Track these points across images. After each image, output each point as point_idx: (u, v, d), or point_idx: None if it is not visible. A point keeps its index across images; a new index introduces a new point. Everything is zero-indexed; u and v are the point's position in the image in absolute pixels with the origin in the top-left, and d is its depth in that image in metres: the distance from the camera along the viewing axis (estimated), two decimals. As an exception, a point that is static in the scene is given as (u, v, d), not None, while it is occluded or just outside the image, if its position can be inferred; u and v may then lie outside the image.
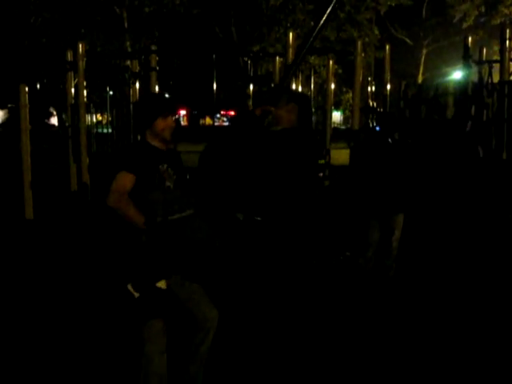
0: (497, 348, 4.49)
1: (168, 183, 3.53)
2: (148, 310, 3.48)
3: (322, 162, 8.84)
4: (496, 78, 10.69)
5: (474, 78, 11.14)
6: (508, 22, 24.93)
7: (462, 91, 11.15)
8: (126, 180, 3.41)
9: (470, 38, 11.78)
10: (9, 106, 22.92)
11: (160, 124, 3.54)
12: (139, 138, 3.67)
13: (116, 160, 3.60)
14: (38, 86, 17.99)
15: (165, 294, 3.51)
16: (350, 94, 26.41)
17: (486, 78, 10.76)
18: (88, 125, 11.63)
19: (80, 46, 10.03)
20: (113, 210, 3.42)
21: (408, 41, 31.10)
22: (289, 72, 6.83)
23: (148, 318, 3.48)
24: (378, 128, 5.69)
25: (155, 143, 3.57)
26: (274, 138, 4.34)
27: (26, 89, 9.23)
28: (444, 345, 4.56)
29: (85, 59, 10.05)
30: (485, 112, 10.57)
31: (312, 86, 12.57)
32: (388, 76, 11.16)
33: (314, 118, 11.83)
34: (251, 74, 11.64)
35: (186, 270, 3.62)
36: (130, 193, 3.42)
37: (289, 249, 4.49)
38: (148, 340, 3.48)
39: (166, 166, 3.54)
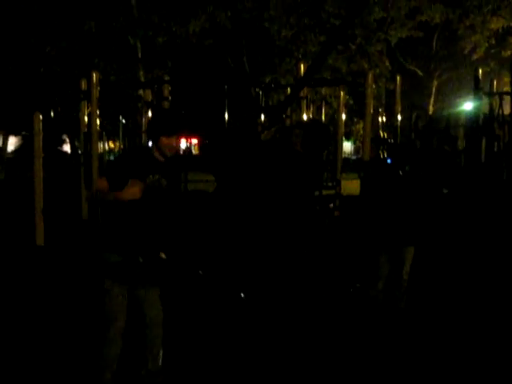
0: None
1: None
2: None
3: (332, 192, 8.85)
4: (507, 110, 10.72)
5: (485, 109, 11.17)
6: (519, 54, 25.05)
7: (473, 123, 11.17)
8: (103, 182, 3.84)
9: (480, 70, 11.84)
10: (23, 133, 23.16)
11: (163, 141, 3.95)
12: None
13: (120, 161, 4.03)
14: (52, 113, 18.18)
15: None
16: (361, 125, 26.52)
17: (496, 110, 10.78)
18: (100, 152, 11.72)
19: (94, 75, 10.15)
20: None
21: (419, 72, 31.24)
22: (288, 101, 6.91)
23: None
24: (389, 160, 5.71)
25: (156, 155, 3.98)
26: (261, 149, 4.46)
27: (41, 116, 9.34)
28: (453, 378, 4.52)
29: (98, 88, 10.16)
30: (496, 144, 10.57)
31: (323, 117, 12.64)
32: (399, 107, 11.19)
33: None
34: (263, 105, 11.72)
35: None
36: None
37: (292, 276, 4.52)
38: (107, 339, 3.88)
39: (157, 176, 3.93)
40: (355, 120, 28.95)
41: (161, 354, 4.07)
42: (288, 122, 9.58)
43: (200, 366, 4.65)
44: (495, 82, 11.89)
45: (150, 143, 4.09)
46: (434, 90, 31.43)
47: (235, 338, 5.03)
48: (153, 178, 3.87)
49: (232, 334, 5.09)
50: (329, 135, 5.03)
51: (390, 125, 13.69)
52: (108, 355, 3.90)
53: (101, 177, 3.93)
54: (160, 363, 4.07)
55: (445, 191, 9.10)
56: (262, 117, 11.02)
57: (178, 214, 4.04)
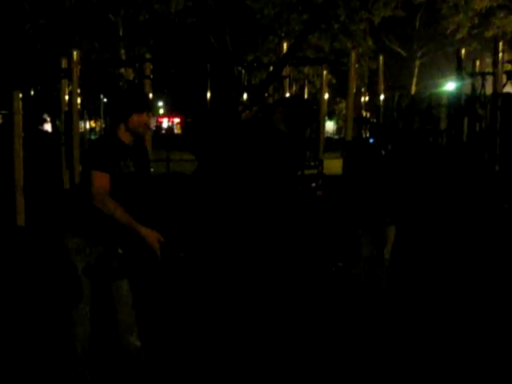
0: (493, 349, 4.49)
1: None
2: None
3: (315, 171, 8.86)
4: (489, 90, 10.75)
5: (467, 89, 11.20)
6: (501, 34, 25.10)
7: (455, 103, 11.20)
8: (104, 180, 3.51)
9: (463, 50, 11.85)
10: (2, 112, 22.88)
11: (135, 120, 3.64)
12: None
13: (89, 156, 3.70)
14: (32, 92, 17.96)
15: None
16: (344, 104, 26.51)
17: (479, 90, 10.82)
18: (81, 131, 11.63)
19: (75, 53, 10.03)
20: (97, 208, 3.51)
21: (401, 52, 31.25)
22: (270, 79, 6.84)
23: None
24: (371, 139, 5.71)
25: (124, 138, 3.67)
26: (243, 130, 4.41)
27: (20, 95, 9.22)
28: (436, 355, 4.56)
29: (79, 66, 10.04)
30: (478, 124, 10.62)
31: (306, 96, 12.61)
32: (382, 86, 11.21)
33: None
34: (245, 84, 11.66)
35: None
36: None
37: (277, 257, 4.52)
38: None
39: (128, 160, 3.66)
40: (338, 99, 28.93)
41: (135, 333, 3.93)
42: (270, 100, 9.54)
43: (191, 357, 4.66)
44: (478, 63, 11.92)
45: (113, 124, 3.80)
46: (416, 69, 31.48)
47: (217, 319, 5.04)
48: (124, 165, 3.64)
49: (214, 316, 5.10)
50: (312, 112, 4.98)
51: (372, 104, 13.70)
52: (77, 335, 3.82)
53: (99, 172, 3.53)
54: (138, 342, 3.95)
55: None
56: (245, 96, 10.99)
57: (149, 199, 3.88)
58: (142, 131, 3.73)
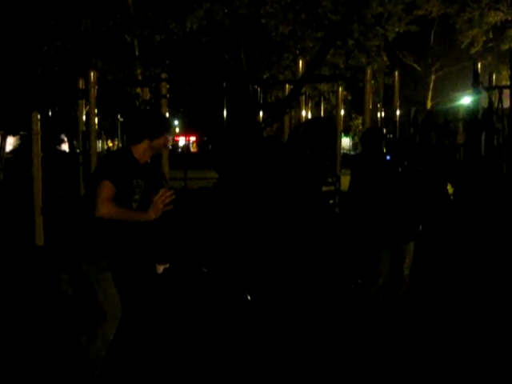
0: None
1: (137, 196, 3.74)
2: None
3: (332, 188, 8.82)
4: (506, 103, 10.68)
5: (484, 103, 11.13)
6: (516, 47, 25.00)
7: (473, 117, 11.13)
8: (110, 190, 3.54)
9: (479, 64, 11.80)
10: (21, 133, 23.16)
11: (151, 142, 3.74)
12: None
13: (101, 167, 3.76)
14: (50, 113, 18.15)
15: None
16: (359, 120, 26.48)
17: (495, 104, 10.75)
18: (99, 151, 11.71)
19: (91, 74, 10.12)
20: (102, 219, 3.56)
21: (417, 67, 31.22)
22: (290, 99, 6.87)
23: None
24: (388, 157, 5.68)
25: (139, 157, 3.75)
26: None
27: (39, 116, 9.32)
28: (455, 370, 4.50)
29: (96, 87, 10.13)
30: (495, 137, 10.54)
31: (322, 113, 12.62)
32: (397, 102, 11.16)
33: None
34: (261, 102, 11.69)
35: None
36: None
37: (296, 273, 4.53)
38: None
39: (140, 180, 3.74)
40: (353, 115, 28.92)
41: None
42: (287, 118, 9.56)
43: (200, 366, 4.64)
44: (494, 76, 11.86)
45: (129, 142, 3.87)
46: (432, 84, 31.41)
47: (238, 337, 5.02)
48: (136, 183, 3.71)
49: (234, 333, 5.08)
50: (334, 133, 5.00)
51: (388, 120, 13.65)
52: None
53: (108, 183, 3.57)
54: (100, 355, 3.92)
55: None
56: (261, 114, 11.01)
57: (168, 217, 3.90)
58: (155, 153, 3.83)
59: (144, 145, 3.73)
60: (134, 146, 3.77)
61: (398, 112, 11.01)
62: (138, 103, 11.79)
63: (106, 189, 3.53)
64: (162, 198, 3.56)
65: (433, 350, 4.92)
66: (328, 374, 4.47)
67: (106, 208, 3.51)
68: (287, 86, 10.43)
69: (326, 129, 4.68)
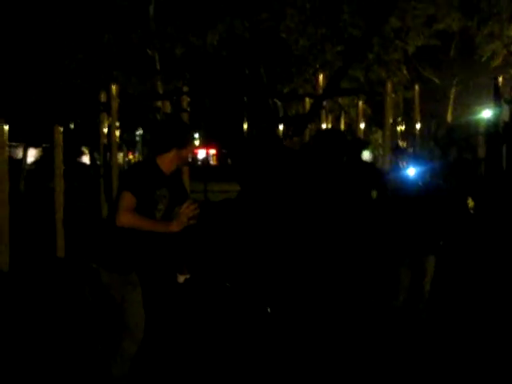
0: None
1: (161, 206, 3.76)
2: None
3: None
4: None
5: (505, 117, 11.08)
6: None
7: (494, 131, 11.08)
8: (131, 200, 3.60)
9: (500, 77, 11.75)
10: (43, 145, 23.40)
11: (176, 153, 3.77)
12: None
13: (123, 178, 3.85)
14: (72, 126, 18.33)
15: None
16: (379, 134, 26.41)
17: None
18: (119, 164, 11.80)
19: (113, 87, 10.23)
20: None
21: (437, 80, 31.11)
22: (312, 112, 6.90)
23: None
24: (407, 169, 5.66)
25: (163, 168, 3.77)
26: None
27: (61, 129, 9.43)
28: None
29: (118, 100, 10.23)
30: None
31: (342, 126, 12.63)
32: (417, 116, 11.14)
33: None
34: (281, 115, 11.74)
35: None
36: None
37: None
38: None
39: (164, 189, 3.76)
40: (373, 129, 28.85)
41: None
42: (307, 131, 9.58)
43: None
44: (515, 90, 11.80)
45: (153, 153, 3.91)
46: (452, 98, 31.26)
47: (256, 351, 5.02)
48: (160, 194, 3.74)
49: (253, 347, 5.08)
50: (343, 141, 4.98)
51: (408, 133, 13.62)
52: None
53: (129, 194, 3.62)
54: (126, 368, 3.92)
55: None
56: (281, 127, 11.05)
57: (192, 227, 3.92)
58: (181, 164, 3.86)
59: (171, 154, 3.77)
60: (160, 156, 3.79)
61: (418, 126, 10.99)
62: (159, 116, 11.88)
63: (126, 199, 3.59)
64: (187, 211, 3.60)
65: (451, 366, 4.88)
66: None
67: (126, 217, 3.57)
68: (307, 99, 10.47)
69: (333, 138, 4.71)
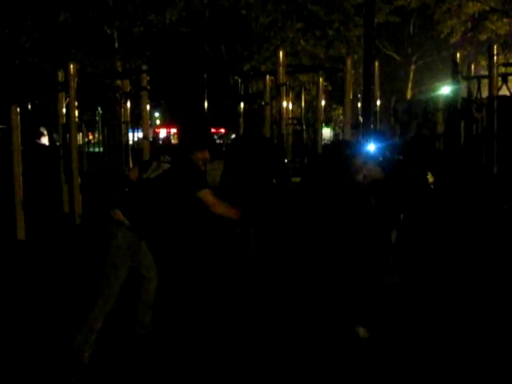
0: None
1: None
2: None
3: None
4: (485, 93, 10.79)
5: (463, 93, 11.24)
6: (494, 37, 25.18)
7: (452, 107, 11.23)
8: (213, 193, 4.36)
9: (458, 54, 11.90)
10: (0, 126, 22.93)
11: (197, 155, 4.44)
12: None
13: (194, 178, 4.31)
14: (30, 106, 17.98)
15: None
16: (340, 111, 26.54)
17: (474, 94, 10.85)
18: (79, 144, 11.63)
19: (71, 66, 10.04)
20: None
21: (396, 57, 31.32)
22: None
23: None
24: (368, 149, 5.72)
25: (199, 165, 4.46)
26: None
27: (18, 109, 9.24)
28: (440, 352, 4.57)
29: (76, 79, 10.06)
30: (474, 127, 10.65)
31: (302, 103, 12.65)
32: (377, 92, 11.22)
33: (304, 135, 11.90)
34: (242, 93, 11.70)
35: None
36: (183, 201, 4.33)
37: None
38: None
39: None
40: (334, 106, 28.96)
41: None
42: (268, 109, 9.58)
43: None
44: (472, 66, 11.97)
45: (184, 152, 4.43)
46: (411, 74, 31.53)
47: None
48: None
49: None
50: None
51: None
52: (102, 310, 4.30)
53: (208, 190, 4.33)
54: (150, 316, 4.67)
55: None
56: (242, 104, 11.03)
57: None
58: (201, 164, 4.46)
59: (200, 154, 4.44)
60: (192, 156, 4.40)
61: (378, 102, 11.08)
62: (118, 95, 11.73)
63: (210, 194, 4.32)
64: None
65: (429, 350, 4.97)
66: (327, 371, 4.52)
67: (221, 208, 4.36)
68: (268, 77, 10.44)
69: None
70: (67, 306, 5.70)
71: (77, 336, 4.25)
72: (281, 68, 8.88)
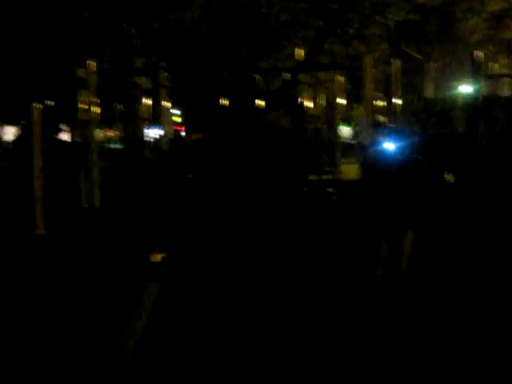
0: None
1: None
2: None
3: (329, 177, 8.85)
4: (505, 92, 10.70)
5: (483, 91, 11.15)
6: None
7: (472, 105, 11.14)
8: None
9: (479, 53, 11.79)
10: (21, 122, 23.11)
11: None
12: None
13: None
14: (50, 103, 18.05)
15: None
16: (361, 110, 26.37)
17: (495, 92, 10.76)
18: (98, 140, 11.69)
19: (91, 63, 10.11)
20: None
21: (416, 55, 31.06)
22: (287, 86, 6.93)
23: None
24: (387, 144, 5.70)
25: None
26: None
27: (39, 106, 9.32)
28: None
29: (96, 76, 10.11)
30: (494, 126, 10.56)
31: (322, 101, 12.62)
32: (398, 91, 11.16)
33: (324, 133, 11.86)
34: (261, 91, 11.69)
35: None
36: None
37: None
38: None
39: None
40: (355, 105, 28.78)
41: None
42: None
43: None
44: (494, 65, 11.86)
45: None
46: (432, 72, 31.26)
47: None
48: None
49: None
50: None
51: (389, 109, 13.63)
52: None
53: None
54: None
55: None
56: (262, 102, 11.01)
57: None
58: None
59: None
60: None
61: (399, 101, 11.01)
62: (138, 92, 11.79)
63: None
64: None
65: (429, 339, 4.94)
66: (324, 360, 4.50)
67: None
68: (287, 75, 10.44)
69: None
70: (85, 300, 5.74)
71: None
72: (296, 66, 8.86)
